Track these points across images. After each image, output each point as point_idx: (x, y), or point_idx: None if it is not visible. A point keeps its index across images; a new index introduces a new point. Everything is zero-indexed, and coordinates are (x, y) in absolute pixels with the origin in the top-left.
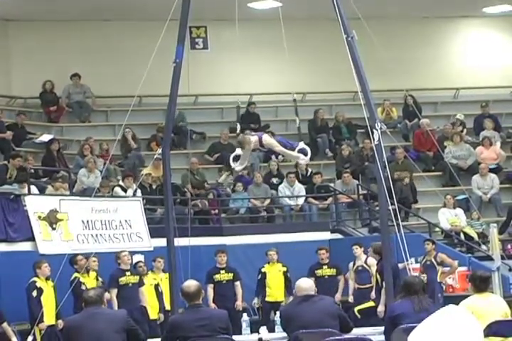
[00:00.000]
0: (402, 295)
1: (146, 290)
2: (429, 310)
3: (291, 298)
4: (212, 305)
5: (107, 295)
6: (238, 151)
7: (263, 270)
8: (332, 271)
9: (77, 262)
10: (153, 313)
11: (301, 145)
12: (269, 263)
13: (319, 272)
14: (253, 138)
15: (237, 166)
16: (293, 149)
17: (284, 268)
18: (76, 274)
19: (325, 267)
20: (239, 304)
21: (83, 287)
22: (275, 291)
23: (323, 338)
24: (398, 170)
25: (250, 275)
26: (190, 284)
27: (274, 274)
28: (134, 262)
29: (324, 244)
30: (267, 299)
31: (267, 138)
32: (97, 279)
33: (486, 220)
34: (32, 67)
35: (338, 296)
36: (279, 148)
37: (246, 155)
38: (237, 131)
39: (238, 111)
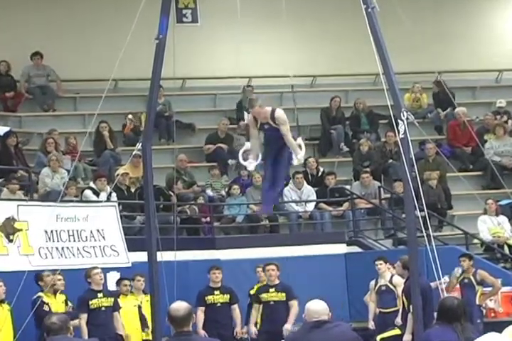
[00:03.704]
0: (439, 321)
1: (128, 313)
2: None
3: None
4: (202, 333)
5: (73, 322)
6: (247, 145)
7: (252, 292)
8: (280, 296)
9: (43, 278)
10: (137, 338)
11: (299, 140)
12: (258, 282)
13: (264, 296)
14: (267, 107)
15: (250, 163)
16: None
17: None
18: (40, 293)
19: (271, 290)
20: (239, 331)
21: (46, 308)
22: None
23: None
24: (429, 170)
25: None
26: (180, 306)
27: None
28: (109, 281)
29: (339, 259)
30: (260, 327)
31: (280, 112)
32: (66, 304)
33: None
34: None
35: (287, 326)
36: (286, 127)
37: (255, 145)
38: (245, 122)
39: (244, 96)
